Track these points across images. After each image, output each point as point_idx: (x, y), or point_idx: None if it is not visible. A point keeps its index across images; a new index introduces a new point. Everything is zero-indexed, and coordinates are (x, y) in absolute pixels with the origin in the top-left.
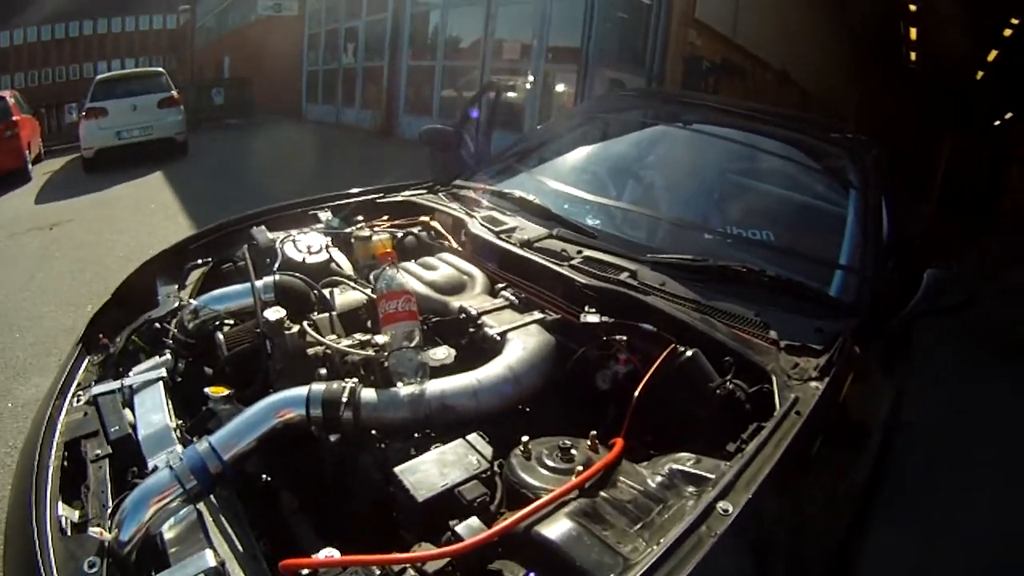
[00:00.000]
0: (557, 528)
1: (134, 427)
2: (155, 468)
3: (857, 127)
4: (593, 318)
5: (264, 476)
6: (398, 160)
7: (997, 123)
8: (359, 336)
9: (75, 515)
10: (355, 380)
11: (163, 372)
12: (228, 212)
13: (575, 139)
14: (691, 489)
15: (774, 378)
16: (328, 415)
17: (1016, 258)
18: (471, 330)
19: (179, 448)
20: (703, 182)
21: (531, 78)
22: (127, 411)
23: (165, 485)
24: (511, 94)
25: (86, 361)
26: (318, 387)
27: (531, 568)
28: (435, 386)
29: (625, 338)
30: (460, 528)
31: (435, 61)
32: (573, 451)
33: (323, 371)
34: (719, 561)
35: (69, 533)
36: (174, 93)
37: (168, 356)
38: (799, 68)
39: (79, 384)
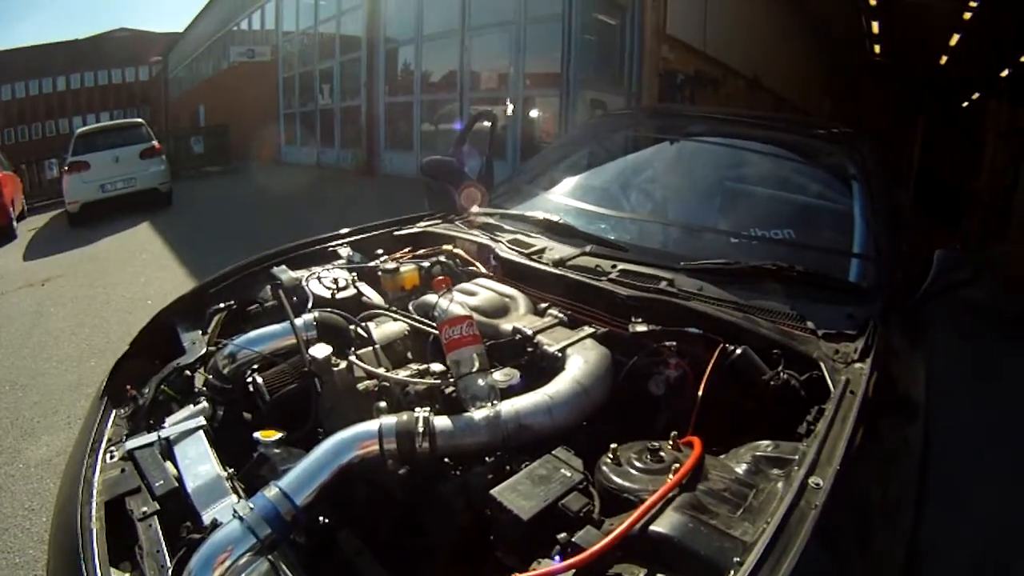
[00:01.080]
0: (671, 523)
1: (180, 480)
2: (214, 521)
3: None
4: (642, 327)
5: (321, 518)
6: (385, 196)
7: (965, 104)
8: (414, 366)
9: None
10: (427, 409)
11: (202, 420)
12: (221, 258)
13: (580, 160)
14: (776, 471)
15: (822, 364)
16: (403, 447)
17: (996, 233)
18: (529, 350)
19: (234, 498)
20: (716, 190)
21: (511, 105)
22: (168, 464)
23: (236, 537)
24: (486, 123)
25: (113, 415)
26: (390, 420)
27: (652, 565)
28: (509, 407)
29: (674, 343)
30: (578, 538)
31: (412, 96)
32: (661, 452)
33: (382, 404)
34: (825, 530)
35: None
36: (155, 143)
37: (205, 404)
38: (770, 73)
39: (110, 440)
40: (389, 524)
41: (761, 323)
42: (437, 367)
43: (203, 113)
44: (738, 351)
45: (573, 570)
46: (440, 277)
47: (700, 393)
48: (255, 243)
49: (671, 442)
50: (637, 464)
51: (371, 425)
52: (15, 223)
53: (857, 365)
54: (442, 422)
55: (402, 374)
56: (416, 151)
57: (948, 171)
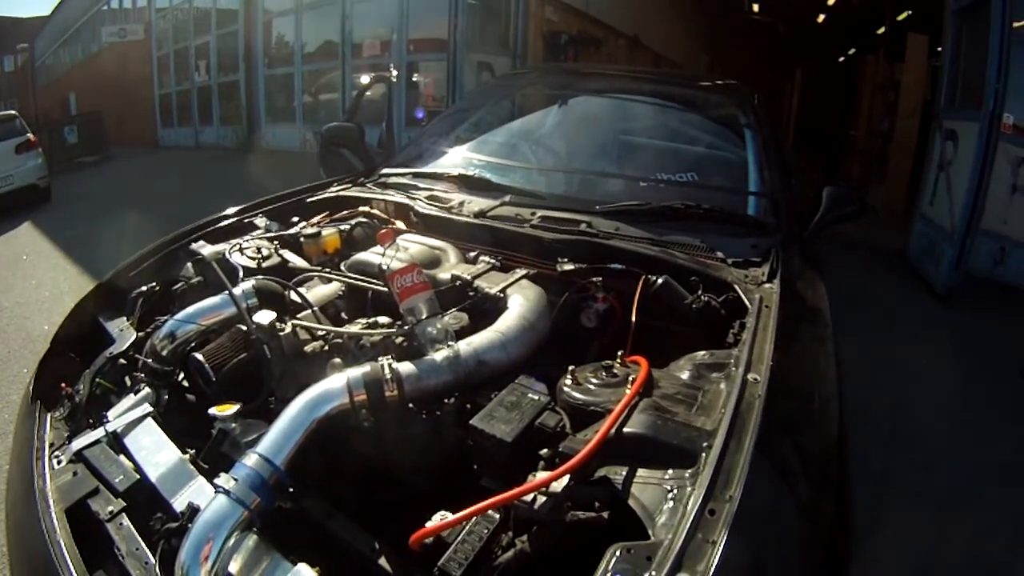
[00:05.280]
0: (642, 423)
1: (140, 472)
2: (190, 505)
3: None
4: (569, 266)
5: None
6: (270, 170)
7: (842, 59)
8: (361, 321)
9: None
10: (388, 357)
11: (148, 407)
12: (113, 251)
13: (482, 120)
14: (716, 375)
15: (737, 286)
16: (373, 395)
17: (875, 178)
18: (470, 294)
19: (202, 480)
20: (620, 140)
21: (395, 72)
22: (123, 458)
23: (225, 513)
24: (367, 93)
25: (48, 418)
26: (355, 371)
27: (632, 462)
28: (466, 346)
29: (600, 279)
30: (564, 447)
31: (293, 67)
32: (614, 369)
33: (338, 360)
34: (772, 413)
35: None
36: (31, 136)
37: (147, 389)
38: (649, 32)
39: (51, 444)
40: (355, 482)
41: (677, 255)
42: (383, 319)
43: (74, 101)
44: (660, 280)
45: (569, 473)
46: (383, 231)
47: (633, 319)
48: (146, 234)
49: (619, 361)
50: (594, 381)
51: (338, 380)
52: None
53: (767, 285)
54: (407, 367)
55: (353, 329)
56: (299, 123)
57: (826, 122)
